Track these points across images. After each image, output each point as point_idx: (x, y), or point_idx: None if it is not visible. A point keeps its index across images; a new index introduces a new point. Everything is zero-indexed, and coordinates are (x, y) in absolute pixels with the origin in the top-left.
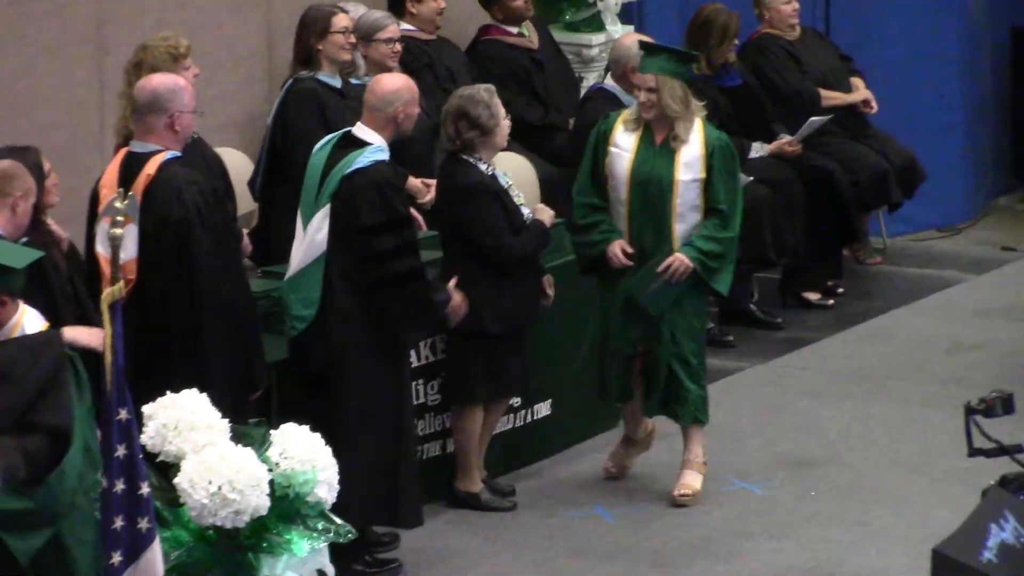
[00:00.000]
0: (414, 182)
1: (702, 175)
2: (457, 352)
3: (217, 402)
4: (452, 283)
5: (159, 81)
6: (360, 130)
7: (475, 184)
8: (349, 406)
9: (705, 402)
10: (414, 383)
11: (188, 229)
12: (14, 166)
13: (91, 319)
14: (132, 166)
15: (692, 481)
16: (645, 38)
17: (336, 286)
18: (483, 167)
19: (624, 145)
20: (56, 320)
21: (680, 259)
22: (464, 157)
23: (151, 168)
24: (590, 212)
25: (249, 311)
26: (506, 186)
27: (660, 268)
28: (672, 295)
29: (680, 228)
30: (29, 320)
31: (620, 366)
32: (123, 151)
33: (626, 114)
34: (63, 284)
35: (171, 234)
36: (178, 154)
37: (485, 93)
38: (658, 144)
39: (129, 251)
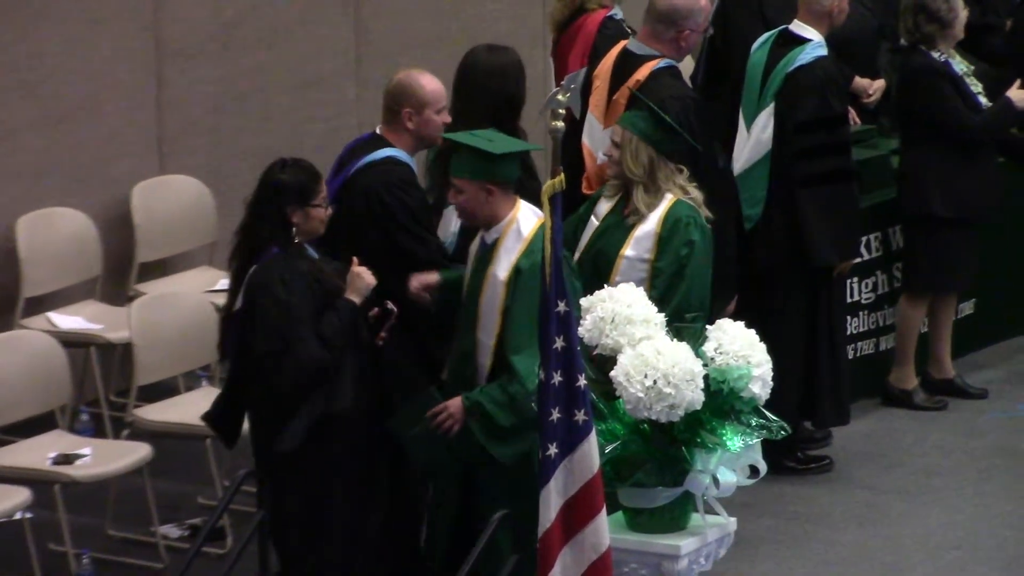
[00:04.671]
0: (860, 81)
1: (650, 256)
2: (907, 239)
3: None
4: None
5: None
6: (797, 27)
7: (926, 66)
8: (772, 307)
9: None
10: (848, 281)
11: None
12: (406, 78)
13: None
14: (625, 64)
15: None
16: None
17: (781, 185)
18: (935, 55)
19: (599, 214)
20: None
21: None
22: (921, 48)
23: (641, 74)
24: None
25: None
26: (961, 73)
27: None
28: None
29: None
30: (524, 216)
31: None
32: (620, 45)
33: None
34: None
35: None
36: (672, 63)
37: None
38: (623, 216)
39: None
